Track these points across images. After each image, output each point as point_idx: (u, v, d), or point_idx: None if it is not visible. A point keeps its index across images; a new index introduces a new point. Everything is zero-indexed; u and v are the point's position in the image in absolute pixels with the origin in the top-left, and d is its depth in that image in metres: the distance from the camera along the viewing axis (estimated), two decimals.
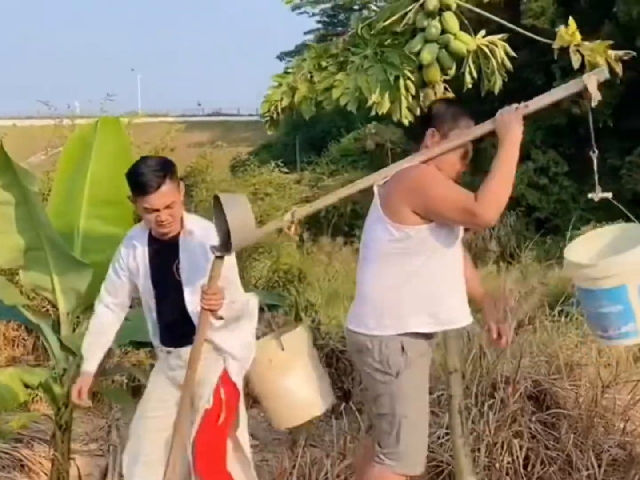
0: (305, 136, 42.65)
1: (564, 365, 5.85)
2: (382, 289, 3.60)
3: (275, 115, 3.97)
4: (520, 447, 4.97)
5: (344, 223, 29.93)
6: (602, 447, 5.09)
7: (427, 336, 3.66)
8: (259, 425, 7.28)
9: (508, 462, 4.94)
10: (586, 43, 3.70)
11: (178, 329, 3.89)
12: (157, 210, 3.73)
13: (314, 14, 51.91)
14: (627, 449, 5.13)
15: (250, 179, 11.44)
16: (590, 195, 3.63)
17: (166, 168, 3.80)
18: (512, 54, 4.22)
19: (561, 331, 7.04)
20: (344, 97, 3.70)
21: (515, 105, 3.51)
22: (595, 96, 3.45)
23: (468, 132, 3.60)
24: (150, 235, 3.94)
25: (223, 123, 65.68)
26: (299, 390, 3.98)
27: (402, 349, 3.56)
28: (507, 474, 4.92)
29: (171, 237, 3.87)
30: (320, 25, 54.55)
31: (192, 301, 3.81)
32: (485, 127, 3.57)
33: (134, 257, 3.95)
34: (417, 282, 3.57)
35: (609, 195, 3.60)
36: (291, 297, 9.06)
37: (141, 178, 3.73)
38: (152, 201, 3.71)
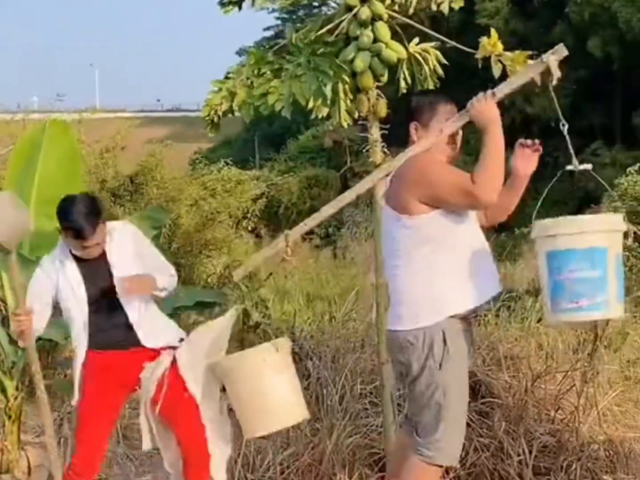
0: (265, 133, 42.78)
1: (503, 357, 6.11)
2: (409, 284, 3.70)
3: (216, 119, 4.16)
4: None
5: (302, 220, 30.07)
6: (533, 434, 5.34)
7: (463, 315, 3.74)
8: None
9: None
10: (507, 53, 3.92)
11: (117, 334, 4.12)
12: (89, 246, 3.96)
13: (273, 10, 51.99)
14: (557, 436, 5.37)
15: (204, 176, 11.59)
16: (568, 167, 3.64)
17: (97, 212, 4.00)
18: (444, 61, 4.45)
19: (502, 325, 7.31)
20: (279, 103, 3.89)
21: (481, 93, 3.61)
22: (556, 74, 3.51)
23: (446, 125, 3.70)
24: (74, 257, 4.09)
25: (183, 118, 65.53)
26: (289, 391, 3.89)
27: (444, 340, 3.62)
28: None
29: (96, 258, 4.07)
30: (279, 22, 54.67)
31: (130, 307, 4.11)
32: (462, 119, 3.69)
33: (63, 276, 4.07)
34: (434, 269, 3.65)
35: (589, 166, 3.64)
36: (239, 293, 9.21)
37: (75, 225, 3.91)
38: (87, 243, 3.94)
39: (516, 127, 28.46)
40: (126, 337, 4.11)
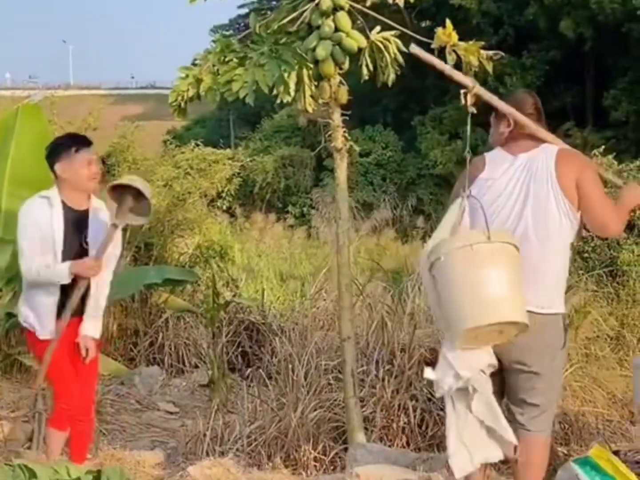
0: (240, 111, 42.54)
1: None
2: (559, 268, 3.66)
3: (182, 104, 4.30)
4: (415, 409, 5.41)
5: (277, 199, 30.16)
6: None
7: None
8: (181, 393, 7.66)
9: (405, 422, 5.38)
10: (461, 43, 4.07)
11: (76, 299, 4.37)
12: (92, 160, 4.32)
13: None
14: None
15: (175, 157, 11.67)
16: None
17: None
18: (404, 49, 4.60)
19: None
20: (243, 90, 4.04)
21: None
22: None
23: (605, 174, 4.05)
24: (63, 204, 4.34)
25: (157, 96, 64.98)
26: (496, 286, 3.39)
27: (564, 320, 3.70)
28: (404, 432, 5.37)
29: (82, 210, 4.36)
30: None
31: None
32: (613, 179, 4.07)
33: (50, 222, 4.31)
34: (567, 264, 3.73)
35: None
36: (210, 273, 9.37)
37: (78, 136, 4.48)
38: (91, 153, 4.33)
39: (490, 108, 28.49)
40: (79, 304, 4.40)
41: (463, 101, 3.71)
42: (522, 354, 3.59)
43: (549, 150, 3.68)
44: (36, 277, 4.31)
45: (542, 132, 3.76)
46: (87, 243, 4.37)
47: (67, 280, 4.26)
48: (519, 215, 3.62)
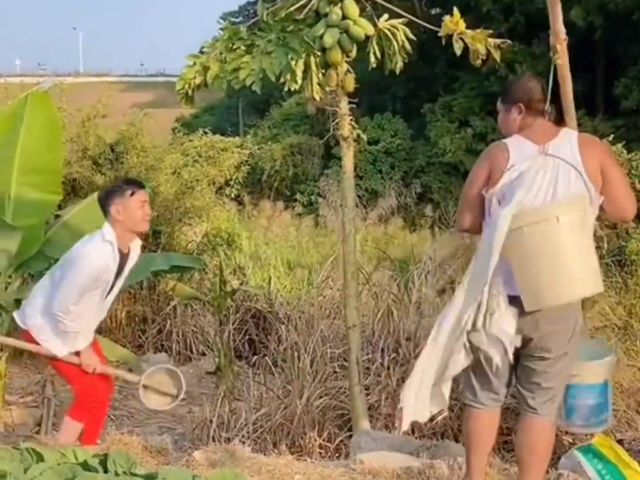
0: (249, 99, 42.50)
1: None
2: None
3: (190, 92, 4.32)
4: None
5: (285, 187, 30.15)
6: None
7: None
8: (188, 380, 7.69)
9: None
10: (469, 31, 4.07)
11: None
12: (145, 202, 4.44)
13: None
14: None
15: (183, 144, 11.68)
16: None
17: None
18: (412, 36, 4.59)
19: None
20: (249, 78, 4.05)
21: None
22: None
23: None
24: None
25: (167, 83, 64.97)
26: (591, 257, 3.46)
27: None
28: None
29: (126, 253, 4.55)
30: None
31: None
32: None
33: (112, 268, 4.46)
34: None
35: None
36: (217, 260, 9.40)
37: (133, 180, 4.71)
38: (144, 195, 4.45)
39: (497, 95, 28.33)
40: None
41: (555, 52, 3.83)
42: (548, 340, 3.60)
43: (571, 136, 3.67)
44: (62, 315, 4.42)
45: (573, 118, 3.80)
46: (117, 278, 4.54)
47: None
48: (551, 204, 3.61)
